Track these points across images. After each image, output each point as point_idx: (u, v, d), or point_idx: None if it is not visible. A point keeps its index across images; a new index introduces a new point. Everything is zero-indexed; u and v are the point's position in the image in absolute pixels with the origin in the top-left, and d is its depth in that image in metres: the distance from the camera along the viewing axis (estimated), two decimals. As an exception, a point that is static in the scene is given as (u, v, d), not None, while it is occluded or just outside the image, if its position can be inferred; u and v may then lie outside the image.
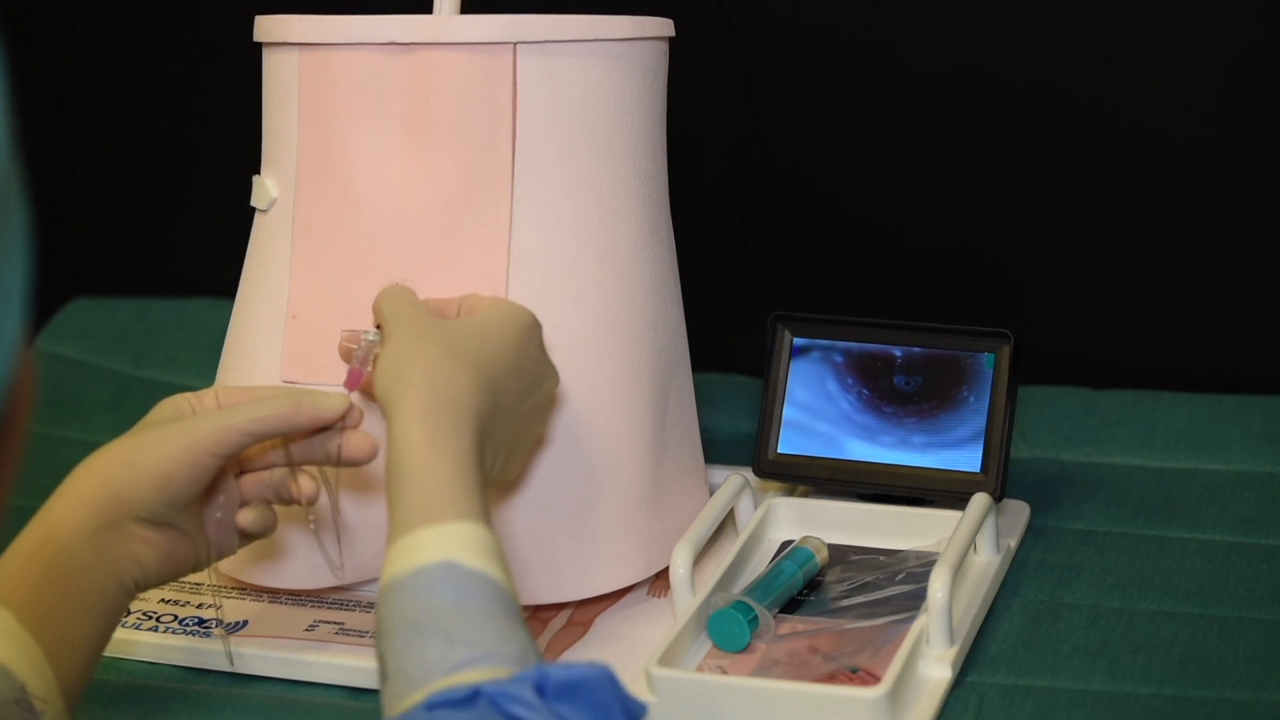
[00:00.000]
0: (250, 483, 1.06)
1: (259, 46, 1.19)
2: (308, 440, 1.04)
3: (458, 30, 1.13)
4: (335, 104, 1.15)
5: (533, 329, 1.06)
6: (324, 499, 1.07)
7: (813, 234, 1.56)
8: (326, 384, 1.13)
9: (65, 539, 0.98)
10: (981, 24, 1.47)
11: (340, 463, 1.04)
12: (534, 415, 1.07)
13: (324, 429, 1.03)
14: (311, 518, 1.07)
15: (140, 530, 1.00)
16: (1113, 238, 1.48)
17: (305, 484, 1.05)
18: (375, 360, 1.04)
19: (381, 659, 0.89)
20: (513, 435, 1.04)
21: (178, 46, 1.73)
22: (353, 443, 1.03)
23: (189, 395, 1.05)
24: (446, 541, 0.90)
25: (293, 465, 1.05)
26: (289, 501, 1.05)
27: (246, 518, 1.04)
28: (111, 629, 1.01)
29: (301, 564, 1.16)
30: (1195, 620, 1.15)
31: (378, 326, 1.06)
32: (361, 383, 1.05)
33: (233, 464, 1.05)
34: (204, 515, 1.04)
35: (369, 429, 1.05)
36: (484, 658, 0.86)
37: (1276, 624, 1.14)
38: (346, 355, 1.08)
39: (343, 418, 1.03)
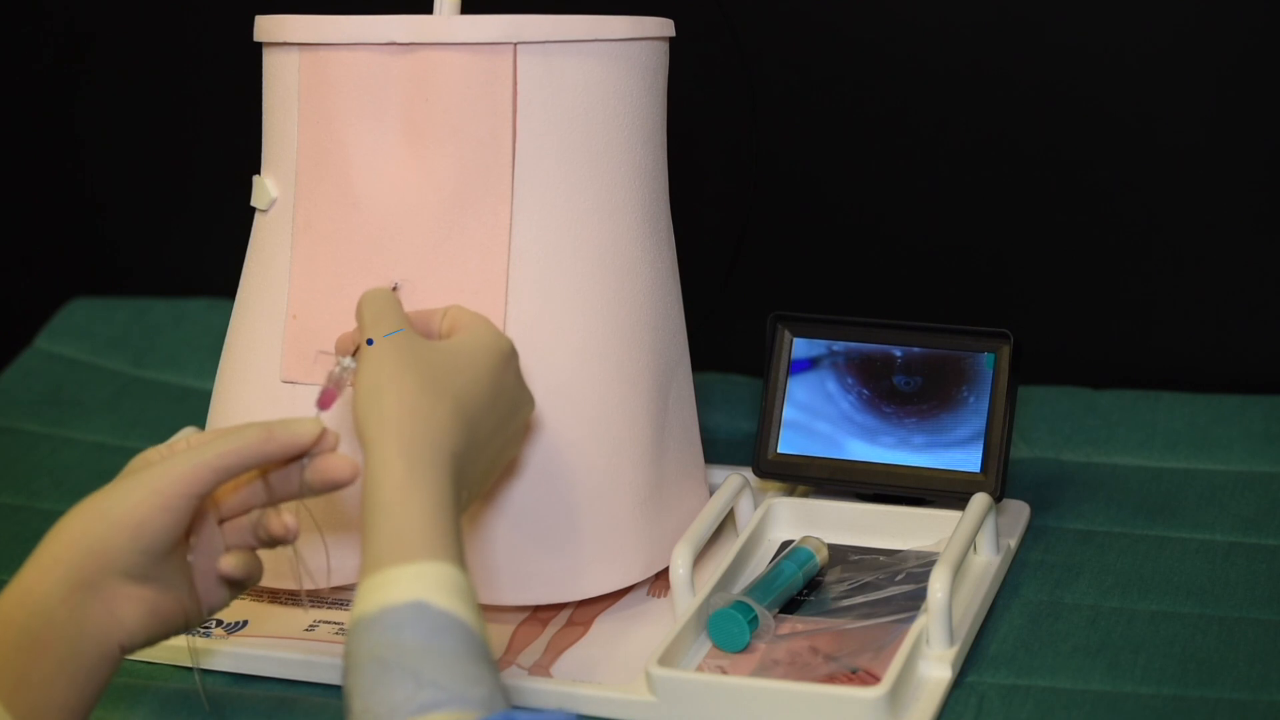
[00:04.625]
0: (231, 530, 1.01)
1: (259, 46, 1.19)
2: (285, 473, 1.00)
3: (458, 30, 1.13)
4: (335, 104, 1.15)
5: (510, 358, 1.04)
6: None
7: (813, 234, 1.56)
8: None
9: (38, 603, 0.92)
10: (981, 24, 1.47)
11: (316, 489, 0.99)
12: (507, 444, 1.05)
13: (300, 456, 0.99)
14: (292, 553, 1.04)
15: (121, 587, 0.94)
16: (1113, 238, 1.49)
17: (285, 520, 1.00)
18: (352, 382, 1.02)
19: (347, 696, 0.87)
20: (486, 467, 1.02)
21: (178, 46, 1.73)
22: (332, 464, 0.99)
23: (160, 446, 1.01)
24: (418, 581, 0.89)
25: (272, 503, 1.01)
26: (271, 543, 1.01)
27: (229, 563, 0.99)
28: (95, 695, 0.95)
29: (304, 564, 1.16)
30: (1195, 620, 1.15)
31: (355, 352, 1.04)
32: (333, 403, 1.02)
33: (212, 509, 1.01)
34: (190, 566, 0.99)
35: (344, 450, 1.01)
36: (451, 700, 0.85)
37: (1276, 624, 1.14)
38: (342, 348, 1.06)
39: (317, 443, 0.99)
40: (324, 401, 1.02)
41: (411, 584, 0.89)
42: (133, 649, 0.96)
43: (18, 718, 0.91)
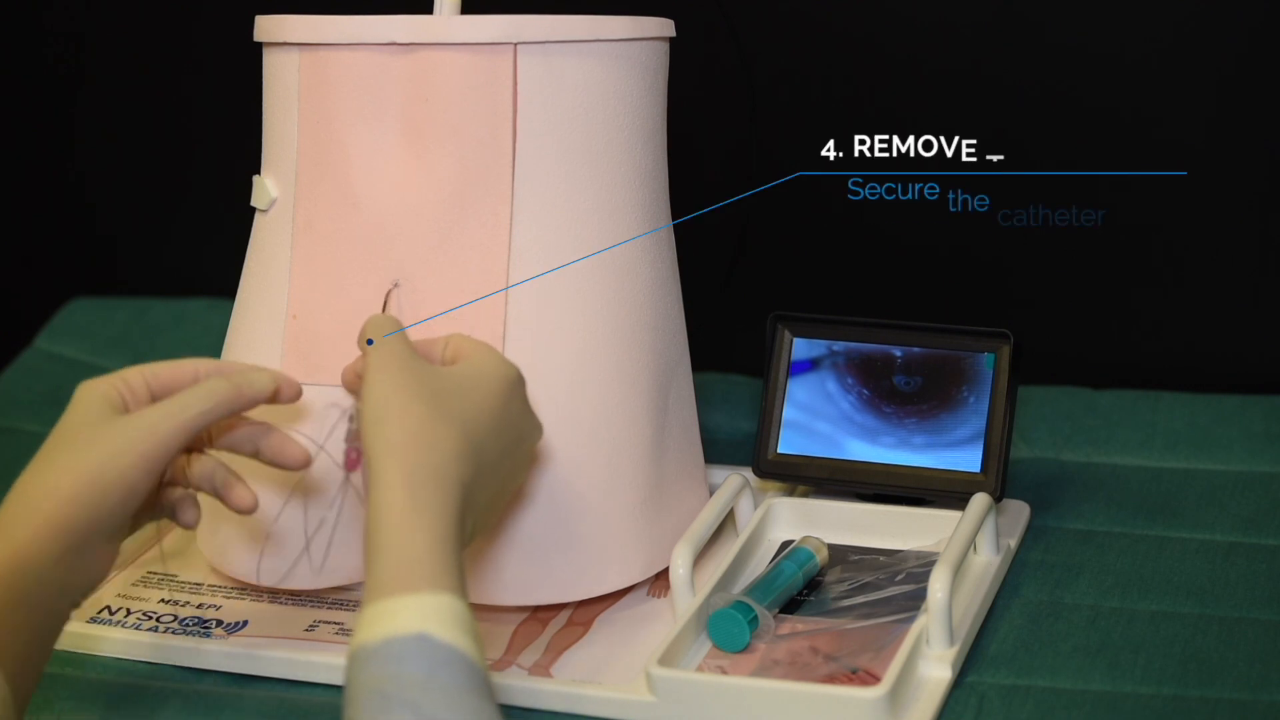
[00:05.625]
0: (196, 468, 1.04)
1: (259, 46, 1.19)
2: (238, 431, 1.04)
3: (458, 30, 1.13)
4: (335, 104, 1.15)
5: (516, 385, 1.03)
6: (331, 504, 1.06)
7: (813, 234, 1.56)
8: (327, 384, 1.13)
9: (31, 563, 0.94)
10: (981, 24, 1.47)
11: (267, 463, 1.03)
12: (514, 472, 1.05)
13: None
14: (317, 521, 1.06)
15: (101, 547, 0.97)
16: (1113, 238, 1.49)
17: (242, 495, 1.03)
18: None
19: None
20: (492, 495, 1.01)
21: (178, 46, 1.73)
22: (286, 448, 1.03)
23: (113, 380, 1.01)
24: (420, 613, 0.89)
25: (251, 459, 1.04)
26: (231, 504, 1.04)
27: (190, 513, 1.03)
28: (52, 647, 0.98)
29: (302, 564, 1.16)
30: (1195, 620, 1.15)
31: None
32: (360, 465, 1.02)
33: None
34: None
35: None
36: None
37: (1276, 624, 1.14)
38: (350, 382, 1.07)
39: (276, 394, 1.02)
40: (350, 464, 1.02)
41: (414, 616, 0.89)
42: (82, 602, 0.99)
43: (7, 675, 0.93)
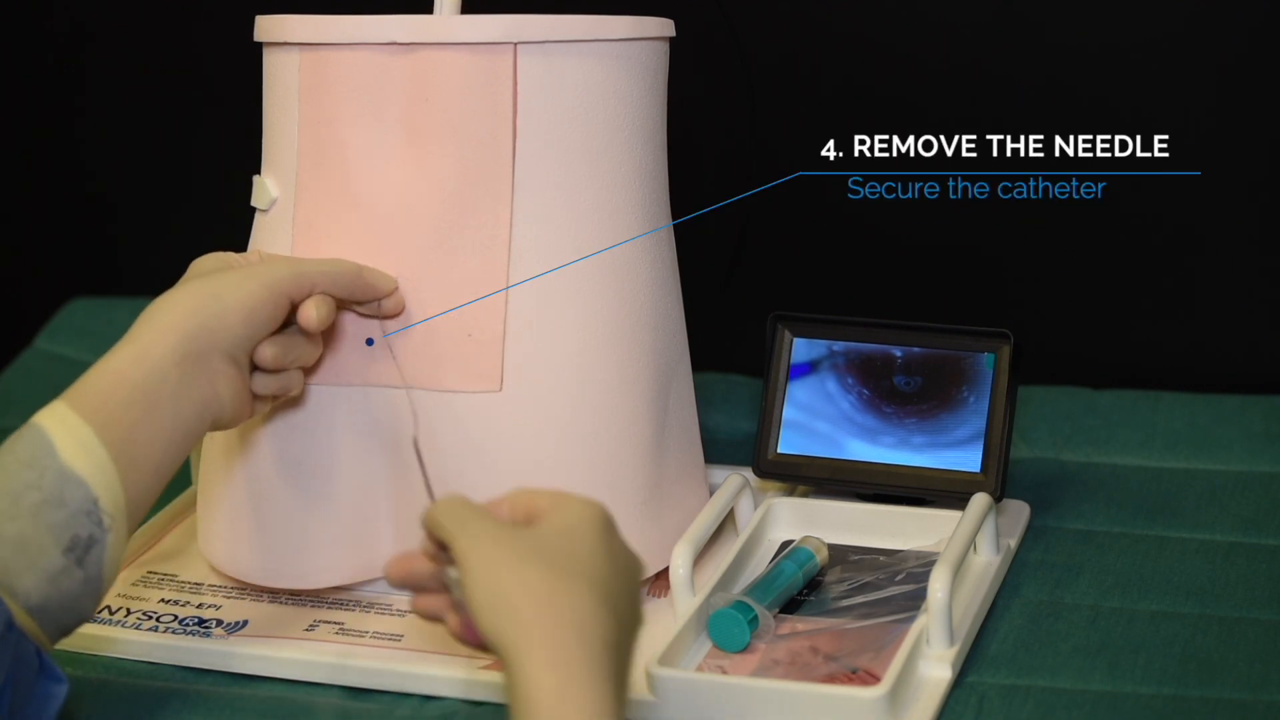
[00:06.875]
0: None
1: (259, 46, 1.19)
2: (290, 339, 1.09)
3: (458, 30, 1.13)
4: (335, 104, 1.15)
5: (609, 523, 0.91)
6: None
7: (813, 234, 1.56)
8: (326, 384, 1.13)
9: (154, 363, 1.02)
10: (981, 23, 1.47)
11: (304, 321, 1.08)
12: (638, 615, 0.91)
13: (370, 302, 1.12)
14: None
15: (222, 365, 1.04)
16: (1113, 237, 1.49)
17: (308, 312, 1.07)
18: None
19: None
20: (630, 648, 0.89)
21: (178, 46, 1.73)
22: (303, 312, 1.08)
23: (230, 253, 1.11)
24: None
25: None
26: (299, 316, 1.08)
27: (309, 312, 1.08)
28: (179, 462, 1.04)
29: (304, 564, 1.16)
30: (1195, 620, 1.15)
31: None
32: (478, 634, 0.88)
33: None
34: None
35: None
36: None
37: (1276, 624, 1.14)
38: (403, 578, 0.93)
39: (390, 295, 1.12)
40: (470, 637, 0.91)
41: None
42: (219, 427, 1.06)
43: (120, 467, 0.99)
